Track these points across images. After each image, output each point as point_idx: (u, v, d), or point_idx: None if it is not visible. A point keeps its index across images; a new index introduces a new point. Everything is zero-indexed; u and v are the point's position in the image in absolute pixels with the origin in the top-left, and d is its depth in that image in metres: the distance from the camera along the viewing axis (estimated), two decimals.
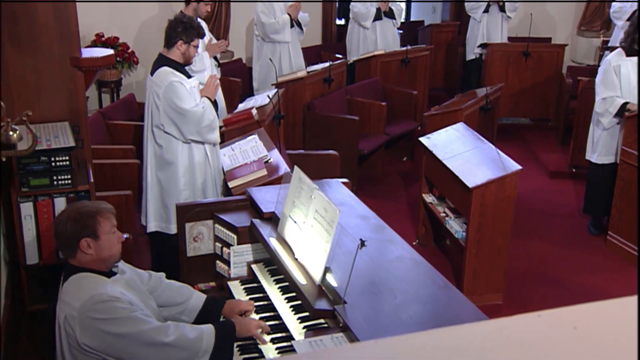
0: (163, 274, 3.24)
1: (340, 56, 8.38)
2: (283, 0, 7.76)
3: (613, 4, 8.71)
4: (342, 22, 10.96)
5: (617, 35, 8.10)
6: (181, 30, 4.46)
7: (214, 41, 6.43)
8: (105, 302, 2.68)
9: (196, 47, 4.56)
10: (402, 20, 9.41)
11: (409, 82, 8.26)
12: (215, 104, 4.65)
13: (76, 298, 2.70)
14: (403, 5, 11.88)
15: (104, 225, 2.82)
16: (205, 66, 5.86)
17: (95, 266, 2.83)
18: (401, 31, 9.34)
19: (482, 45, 9.10)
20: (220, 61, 8.03)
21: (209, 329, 2.86)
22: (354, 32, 8.80)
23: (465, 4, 9.38)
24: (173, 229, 4.36)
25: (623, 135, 5.64)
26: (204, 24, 6.34)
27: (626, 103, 5.64)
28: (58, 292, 2.85)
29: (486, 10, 9.17)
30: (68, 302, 2.72)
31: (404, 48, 8.36)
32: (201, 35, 4.58)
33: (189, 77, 4.57)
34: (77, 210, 2.84)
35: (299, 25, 7.78)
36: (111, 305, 2.68)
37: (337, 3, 10.16)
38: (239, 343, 3.05)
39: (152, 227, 4.61)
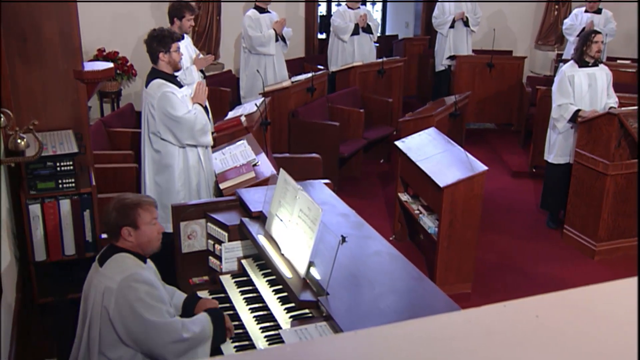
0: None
1: (322, 67, 8.37)
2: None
3: (565, 21, 8.84)
4: (323, 36, 10.93)
5: (570, 49, 8.20)
6: (157, 44, 4.42)
7: (201, 56, 6.39)
8: (143, 283, 2.78)
9: (177, 50, 4.50)
10: (379, 35, 9.39)
11: (385, 91, 8.27)
12: (206, 109, 4.62)
13: (118, 272, 2.79)
14: (379, 20, 11.90)
15: (143, 216, 2.89)
16: (194, 79, 5.80)
17: (136, 251, 2.91)
18: (377, 44, 9.33)
19: (451, 57, 9.14)
20: (212, 72, 8.02)
21: (206, 318, 2.94)
22: (334, 44, 8.80)
23: (433, 20, 9.41)
24: (170, 228, 4.33)
25: (577, 139, 5.69)
26: (188, 39, 6.30)
27: (579, 110, 5.70)
28: (89, 272, 2.92)
29: (452, 26, 9.22)
30: (110, 275, 2.79)
31: (380, 60, 8.37)
32: (175, 38, 4.48)
33: (180, 86, 4.54)
34: (120, 202, 2.92)
35: (283, 39, 7.76)
36: (147, 288, 2.77)
37: (318, 18, 10.14)
38: None
39: None
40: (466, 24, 9.21)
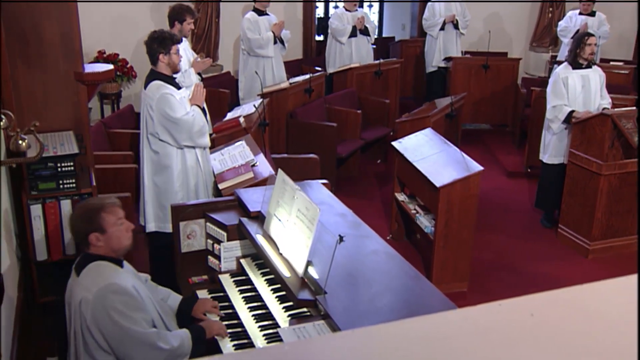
0: (148, 276, 3.24)
1: (319, 69, 8.36)
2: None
3: (559, 23, 8.86)
4: (321, 38, 10.94)
5: (564, 51, 8.23)
6: (157, 45, 4.41)
7: (199, 59, 6.38)
8: (119, 293, 2.70)
9: (177, 52, 4.49)
10: (376, 36, 9.39)
11: (382, 92, 8.27)
12: (204, 110, 4.61)
13: (94, 283, 2.72)
14: (376, 22, 11.90)
15: (108, 219, 2.82)
16: (192, 82, 5.78)
17: (109, 255, 2.84)
18: (374, 46, 9.33)
19: (447, 59, 9.15)
20: (211, 74, 8.02)
21: (186, 334, 2.91)
22: (332, 46, 8.80)
23: (423, 22, 9.42)
24: (170, 228, 4.32)
25: (570, 139, 5.70)
26: (186, 43, 6.29)
27: (573, 111, 5.71)
28: (69, 280, 2.86)
29: (442, 28, 9.23)
30: (86, 286, 2.73)
31: (377, 61, 8.37)
32: (175, 40, 4.47)
33: (179, 88, 4.54)
34: (83, 208, 2.86)
35: (282, 41, 7.76)
36: (123, 299, 2.71)
37: (316, 21, 10.15)
38: (230, 331, 3.04)
39: (151, 227, 4.56)
40: (456, 26, 9.23)
